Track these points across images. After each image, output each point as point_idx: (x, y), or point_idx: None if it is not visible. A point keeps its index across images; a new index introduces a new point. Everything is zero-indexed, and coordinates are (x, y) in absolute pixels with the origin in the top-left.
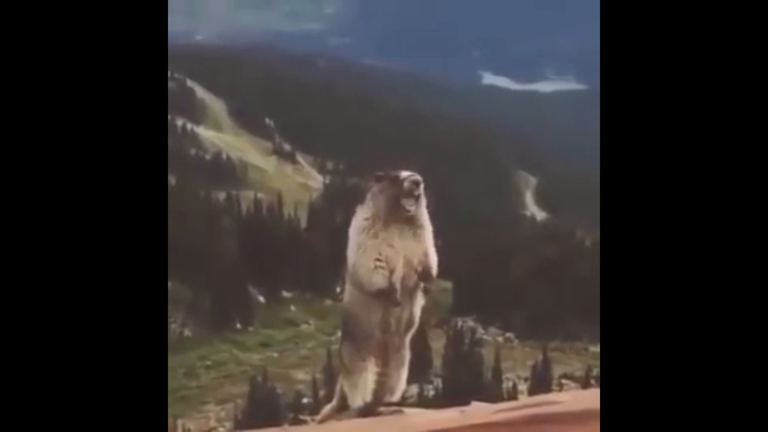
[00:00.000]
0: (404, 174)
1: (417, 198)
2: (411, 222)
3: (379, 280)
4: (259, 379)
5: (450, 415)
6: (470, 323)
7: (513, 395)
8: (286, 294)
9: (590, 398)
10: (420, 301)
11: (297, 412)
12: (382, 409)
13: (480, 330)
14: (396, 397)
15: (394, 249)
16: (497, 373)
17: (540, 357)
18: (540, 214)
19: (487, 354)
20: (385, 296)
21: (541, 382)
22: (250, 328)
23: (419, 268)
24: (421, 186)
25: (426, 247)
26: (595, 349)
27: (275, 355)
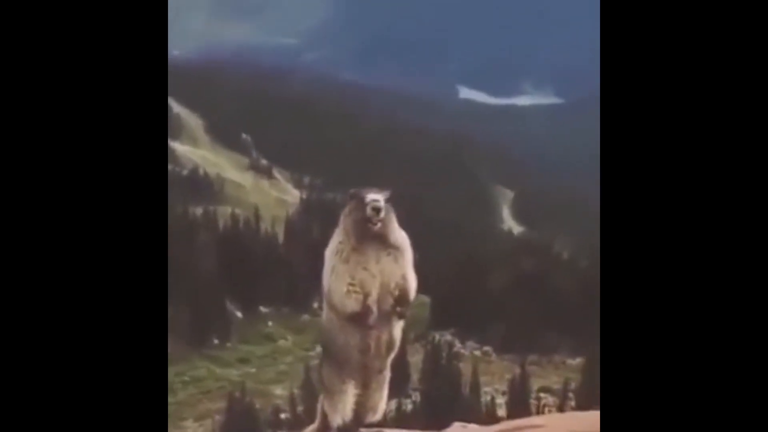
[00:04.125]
0: (368, 197)
1: (382, 221)
2: (387, 244)
3: (351, 304)
4: (237, 394)
5: None
6: (448, 337)
7: (491, 409)
8: (263, 309)
9: (573, 421)
10: (400, 323)
11: (275, 427)
12: (363, 430)
13: (457, 344)
14: (378, 416)
15: (369, 272)
16: (475, 388)
17: (518, 371)
18: (517, 228)
19: (465, 368)
20: (359, 320)
21: (519, 396)
22: (228, 344)
23: (396, 292)
24: (382, 212)
25: (405, 271)
26: (573, 362)
27: (253, 370)
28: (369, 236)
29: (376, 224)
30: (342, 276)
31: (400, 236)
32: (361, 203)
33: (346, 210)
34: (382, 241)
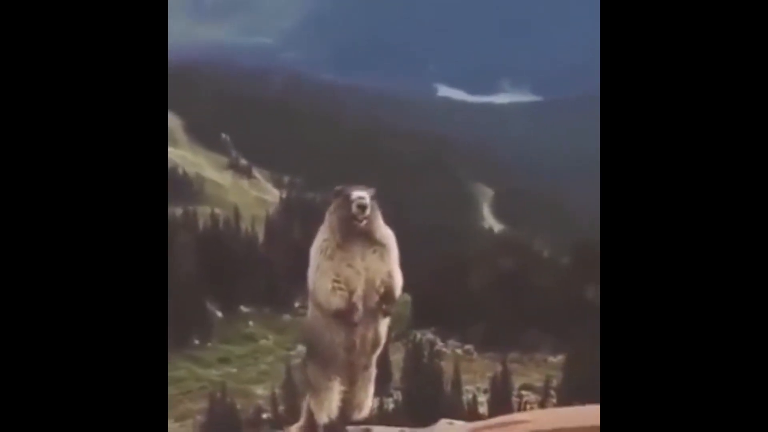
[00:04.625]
0: (354, 195)
1: (367, 218)
2: (372, 241)
3: (336, 301)
4: (218, 395)
5: None
6: (429, 336)
7: (473, 407)
8: (244, 309)
9: (559, 416)
10: (385, 320)
11: (257, 427)
12: (349, 427)
13: (439, 342)
14: (364, 413)
15: (354, 269)
16: (457, 386)
17: (499, 368)
18: (497, 226)
19: (447, 366)
20: (344, 317)
21: (500, 394)
22: (209, 344)
23: (381, 289)
24: (367, 209)
25: (390, 268)
26: (554, 359)
27: (234, 370)
28: (354, 233)
29: (361, 221)
30: (327, 273)
31: (385, 233)
32: (347, 200)
33: (332, 207)
34: (368, 238)
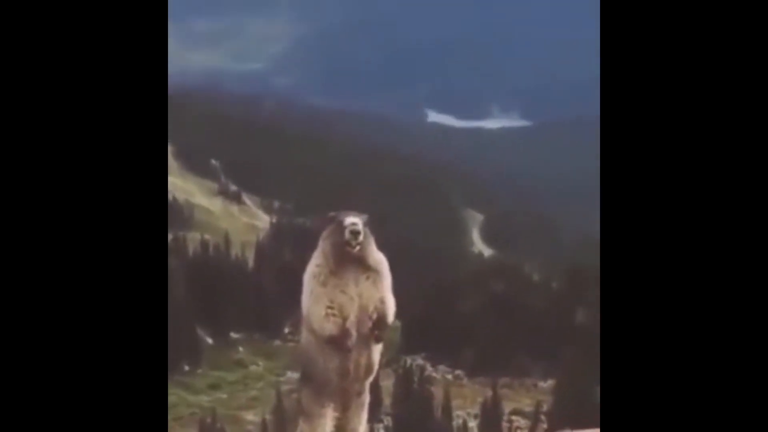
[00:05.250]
0: (347, 221)
1: (360, 245)
2: (365, 267)
3: (330, 327)
4: (209, 420)
5: None
6: (419, 361)
7: None
8: (234, 335)
9: None
10: (378, 346)
11: None
12: None
13: (429, 368)
14: None
15: (347, 296)
16: (447, 411)
17: (490, 394)
18: (487, 251)
19: (437, 392)
20: (338, 343)
21: (491, 419)
22: (199, 370)
23: (374, 315)
24: (360, 236)
25: (383, 294)
26: (544, 384)
27: (224, 396)
28: (348, 259)
29: (354, 248)
30: (321, 299)
31: (378, 259)
32: (340, 227)
33: (325, 233)
34: (361, 264)
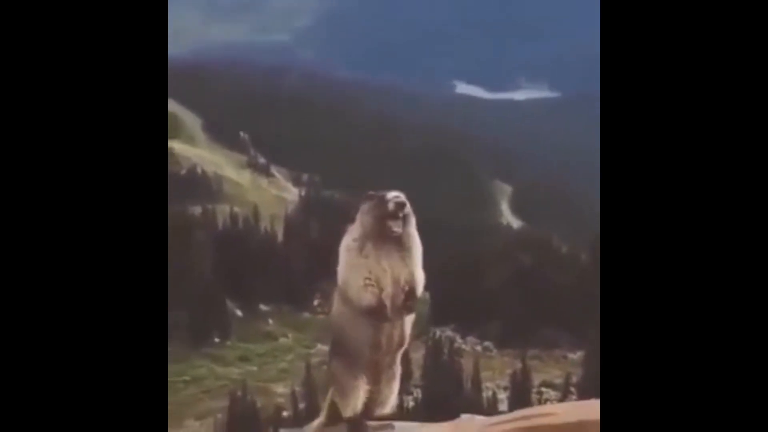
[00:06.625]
0: (390, 195)
1: (403, 218)
2: (398, 242)
3: (368, 298)
4: (239, 393)
5: (443, 428)
6: (448, 333)
7: (493, 404)
8: (263, 307)
9: (585, 409)
10: (410, 317)
11: (277, 425)
12: (371, 423)
13: (458, 340)
14: (387, 410)
15: (382, 267)
16: (476, 383)
17: (519, 365)
18: (516, 223)
19: (466, 364)
20: (375, 314)
21: (520, 391)
22: (228, 343)
23: (405, 288)
24: (407, 207)
25: (413, 268)
26: (574, 356)
27: (254, 368)
28: (386, 233)
29: (399, 219)
30: (359, 270)
31: (412, 233)
32: (382, 201)
33: (365, 207)
34: (397, 238)
